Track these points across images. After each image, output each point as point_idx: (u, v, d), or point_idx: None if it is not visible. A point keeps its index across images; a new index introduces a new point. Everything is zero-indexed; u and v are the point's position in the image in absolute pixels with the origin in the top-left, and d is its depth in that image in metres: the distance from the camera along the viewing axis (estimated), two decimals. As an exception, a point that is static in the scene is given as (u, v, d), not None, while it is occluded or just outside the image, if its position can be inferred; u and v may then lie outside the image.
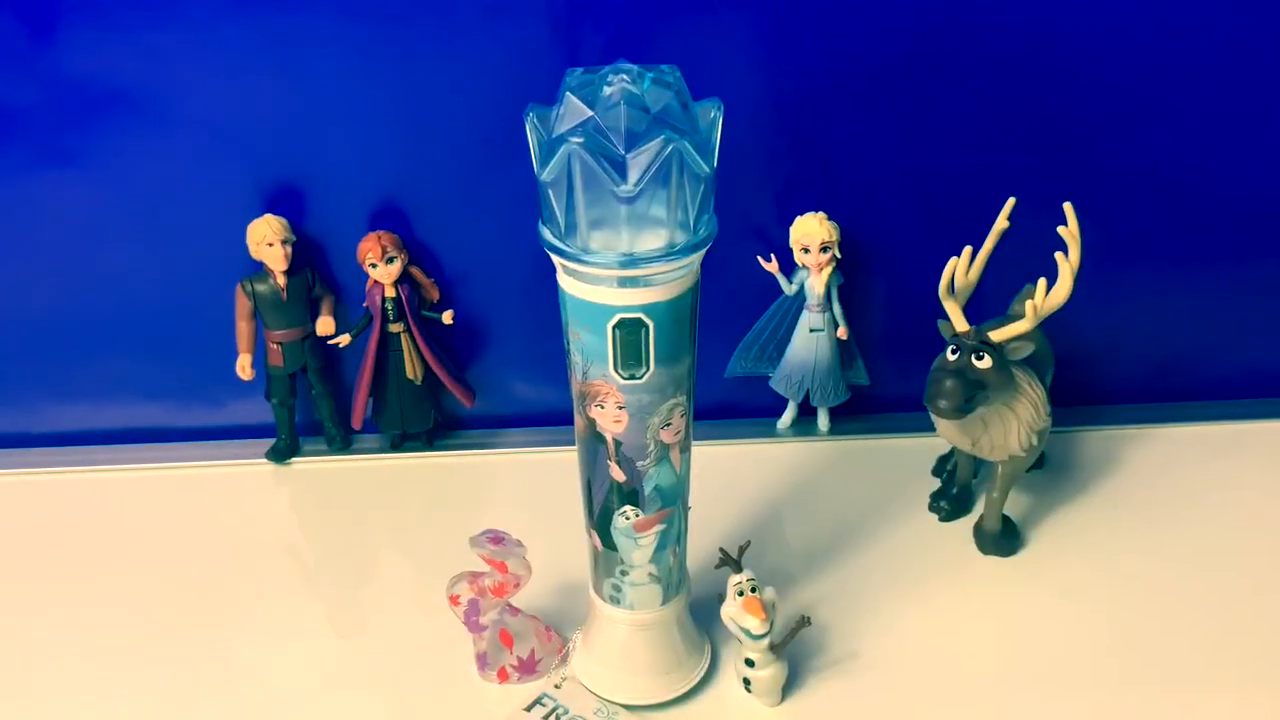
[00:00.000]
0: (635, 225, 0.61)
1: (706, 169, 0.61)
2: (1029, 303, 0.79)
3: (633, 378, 0.65)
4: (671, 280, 0.63)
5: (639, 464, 0.68)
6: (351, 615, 0.86)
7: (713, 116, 0.62)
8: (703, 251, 0.63)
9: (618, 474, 0.69)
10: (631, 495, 0.70)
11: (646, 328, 0.63)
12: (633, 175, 0.59)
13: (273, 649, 0.82)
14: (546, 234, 0.63)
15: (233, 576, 0.88)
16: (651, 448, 0.68)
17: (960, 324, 0.81)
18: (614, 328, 0.63)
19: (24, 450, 1.03)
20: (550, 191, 0.61)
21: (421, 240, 0.97)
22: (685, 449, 0.70)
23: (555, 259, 0.63)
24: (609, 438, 0.68)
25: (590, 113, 0.59)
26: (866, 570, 0.88)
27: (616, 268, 0.61)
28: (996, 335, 0.80)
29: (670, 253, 0.61)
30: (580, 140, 0.58)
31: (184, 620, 0.84)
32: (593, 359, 0.65)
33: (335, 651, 0.82)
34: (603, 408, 0.67)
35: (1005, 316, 0.88)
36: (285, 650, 0.81)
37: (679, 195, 0.60)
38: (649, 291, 0.62)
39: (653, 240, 0.61)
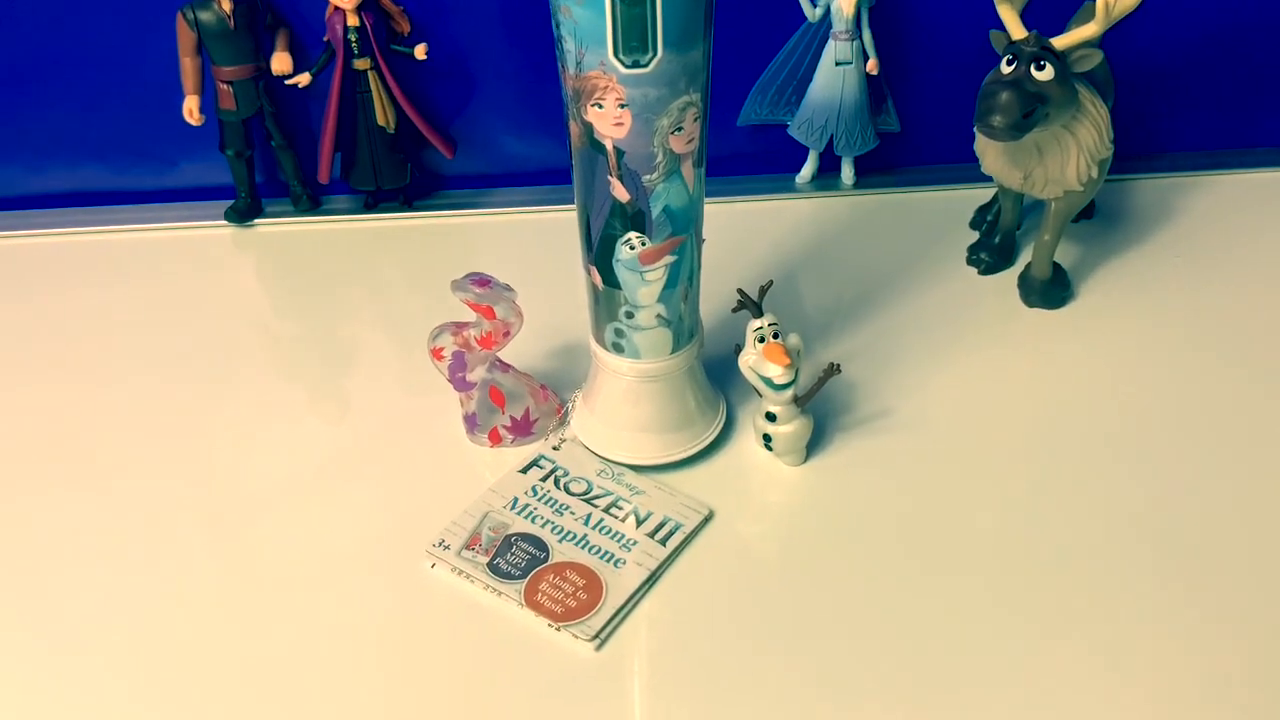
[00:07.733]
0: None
1: None
2: (1100, 0, 0.67)
3: (636, 65, 0.55)
4: (684, -67, 0.51)
5: (645, 179, 0.59)
6: (328, 390, 0.79)
7: None
8: (723, -105, 0.52)
9: (620, 192, 0.59)
10: (637, 219, 0.60)
11: (653, -2, 0.52)
12: None
13: (246, 427, 0.74)
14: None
15: (197, 351, 0.81)
16: (660, 158, 0.58)
17: (1018, 31, 0.71)
18: (613, -2, 0.52)
19: (-44, 216, 0.95)
20: None
21: (388, -40, 0.86)
22: (700, 163, 0.60)
23: (539, -92, 0.52)
24: (609, 146, 0.58)
25: None
26: (899, 327, 0.80)
27: (616, -91, 0.50)
28: (1060, 41, 0.70)
29: (683, -113, 0.50)
30: None
31: (147, 404, 0.76)
32: (588, 43, 0.54)
33: (313, 431, 0.75)
34: (601, 107, 0.56)
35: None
36: (261, 430, 0.74)
37: None
38: (656, -51, 0.51)
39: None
